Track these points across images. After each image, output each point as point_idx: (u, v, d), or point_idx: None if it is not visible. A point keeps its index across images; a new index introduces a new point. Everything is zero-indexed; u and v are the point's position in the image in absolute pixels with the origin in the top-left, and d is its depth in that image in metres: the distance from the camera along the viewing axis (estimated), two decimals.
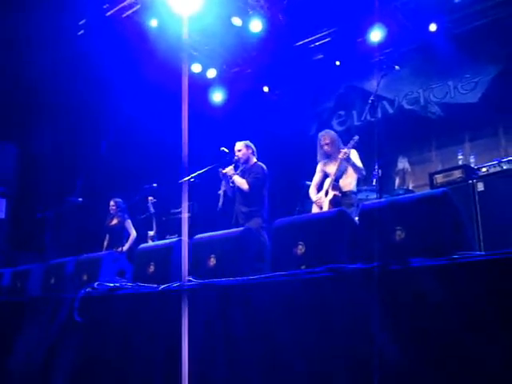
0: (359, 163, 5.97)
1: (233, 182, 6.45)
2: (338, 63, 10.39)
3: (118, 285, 4.13)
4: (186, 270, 3.35)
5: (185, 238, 3.51)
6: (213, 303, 3.15)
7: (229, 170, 6.46)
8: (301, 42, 10.31)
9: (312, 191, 6.32)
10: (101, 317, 3.95)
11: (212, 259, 3.53)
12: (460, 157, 7.45)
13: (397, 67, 5.84)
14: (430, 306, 2.29)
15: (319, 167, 6.32)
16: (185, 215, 3.77)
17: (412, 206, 2.68)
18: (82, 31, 9.56)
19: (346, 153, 5.71)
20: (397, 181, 9.09)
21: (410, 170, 9.23)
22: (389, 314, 2.40)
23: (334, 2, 8.96)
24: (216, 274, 3.36)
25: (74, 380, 3.92)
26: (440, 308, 2.26)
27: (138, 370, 3.45)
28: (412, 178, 9.15)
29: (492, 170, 5.67)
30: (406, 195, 3.06)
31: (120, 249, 8.16)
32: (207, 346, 3.06)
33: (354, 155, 5.94)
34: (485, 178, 5.65)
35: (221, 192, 6.49)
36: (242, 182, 6.36)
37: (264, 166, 6.52)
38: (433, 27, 9.09)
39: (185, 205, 3.84)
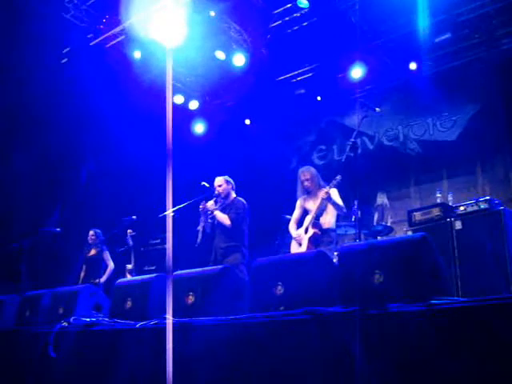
0: (340, 202, 5.99)
1: (212, 218, 6.43)
2: (319, 98, 10.53)
3: (94, 320, 4.08)
4: (170, 307, 3.31)
5: (169, 274, 3.47)
6: (191, 342, 3.12)
7: (210, 204, 6.45)
8: (283, 77, 10.44)
9: (292, 227, 6.31)
10: (76, 352, 3.89)
11: (190, 297, 3.51)
12: (438, 195, 7.51)
13: (378, 109, 5.92)
14: (410, 350, 2.30)
15: (299, 203, 6.33)
16: (169, 250, 3.73)
17: (391, 250, 2.70)
18: (65, 59, 9.57)
19: (327, 192, 5.75)
20: (376, 216, 9.14)
21: (388, 205, 9.30)
22: (368, 357, 2.40)
23: (316, 39, 9.10)
24: (194, 312, 3.34)
25: None
26: (419, 352, 2.27)
27: None
28: (391, 213, 9.20)
29: (470, 209, 5.72)
30: (386, 238, 3.09)
31: (97, 280, 8.06)
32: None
33: (335, 194, 5.97)
34: (462, 217, 5.70)
35: (200, 228, 6.45)
36: (223, 218, 6.34)
37: (244, 201, 6.53)
38: (413, 66, 9.26)
39: (169, 238, 3.81)
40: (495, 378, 2.05)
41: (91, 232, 8.68)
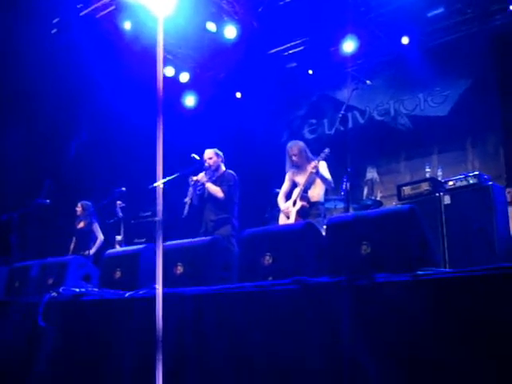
0: (328, 175, 6.01)
1: (200, 190, 6.43)
2: (310, 72, 10.46)
3: (83, 290, 4.09)
4: (160, 276, 3.31)
5: (159, 243, 3.46)
6: (180, 312, 3.14)
7: (201, 176, 6.46)
8: (274, 50, 10.34)
9: (280, 200, 6.33)
10: (66, 322, 3.91)
11: (179, 267, 3.52)
12: (428, 169, 7.53)
13: (368, 82, 5.90)
14: (395, 320, 2.32)
15: (288, 176, 6.35)
16: (159, 219, 3.71)
17: (379, 221, 2.72)
18: (55, 30, 9.45)
19: (315, 166, 5.76)
20: (365, 191, 9.17)
21: (378, 180, 9.32)
22: (355, 327, 2.42)
23: (308, 12, 9.02)
24: (183, 283, 3.35)
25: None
26: (404, 322, 2.30)
27: (107, 377, 3.42)
28: (380, 188, 9.23)
29: (459, 184, 5.73)
30: (373, 210, 3.10)
31: (87, 252, 8.07)
32: (178, 355, 3.05)
33: (323, 167, 5.99)
34: (451, 192, 5.72)
35: (187, 200, 6.45)
36: (216, 190, 6.36)
37: (234, 174, 6.54)
38: (405, 40, 9.21)
39: (160, 208, 3.79)
40: (480, 347, 2.08)
41: (79, 204, 8.68)
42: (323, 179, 5.96)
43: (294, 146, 6.19)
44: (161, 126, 3.48)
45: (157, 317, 3.11)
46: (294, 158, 6.15)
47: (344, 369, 2.37)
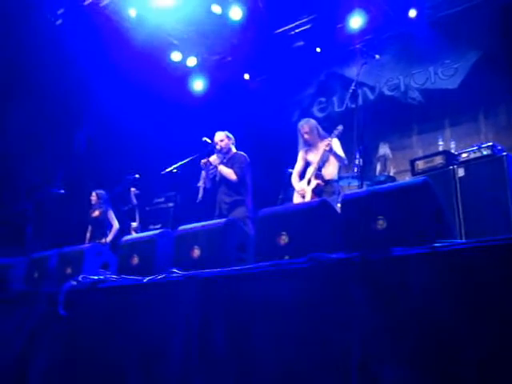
0: (341, 153, 6.00)
1: (212, 173, 6.44)
2: (318, 50, 10.38)
3: (102, 277, 4.12)
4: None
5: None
6: (196, 294, 3.15)
7: (214, 159, 6.46)
8: (281, 30, 10.28)
9: (294, 179, 6.34)
10: (86, 310, 3.94)
11: (196, 251, 3.53)
12: (440, 142, 7.49)
13: (377, 56, 5.86)
14: (413, 295, 2.32)
15: (301, 155, 6.34)
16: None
17: (393, 196, 2.70)
18: (60, 20, 9.44)
19: (328, 144, 5.75)
20: (378, 167, 9.15)
21: (391, 156, 9.28)
22: (371, 303, 2.42)
23: None
24: (200, 266, 3.36)
25: (56, 372, 3.91)
26: (422, 296, 2.29)
27: (124, 362, 3.45)
28: (393, 164, 9.20)
29: (472, 156, 5.69)
30: (387, 184, 3.08)
31: (103, 240, 8.13)
32: (196, 339, 3.07)
33: (336, 145, 5.98)
34: (465, 164, 5.68)
35: (201, 184, 6.45)
36: (229, 172, 6.36)
37: (246, 155, 6.53)
38: (413, 13, 9.11)
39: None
40: (500, 321, 2.06)
41: (93, 193, 8.74)
42: (337, 157, 5.94)
43: (306, 125, 6.18)
44: None
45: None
46: (305, 136, 6.15)
47: (356, 346, 2.37)
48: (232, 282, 3.00)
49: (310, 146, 6.19)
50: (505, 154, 5.43)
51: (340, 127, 5.87)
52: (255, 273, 2.91)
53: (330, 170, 6.05)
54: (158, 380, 3.13)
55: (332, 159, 6.02)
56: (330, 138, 5.81)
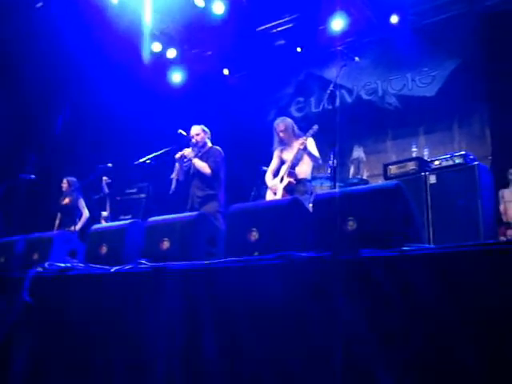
0: (316, 152, 6.03)
1: (186, 166, 6.42)
2: (299, 50, 10.42)
3: (69, 265, 4.07)
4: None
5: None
6: (164, 287, 3.15)
7: (189, 152, 6.43)
8: (263, 27, 10.28)
9: (268, 177, 6.35)
10: (52, 297, 3.90)
11: (165, 243, 3.51)
12: (414, 149, 7.56)
13: (357, 59, 5.88)
14: (379, 296, 2.34)
15: (276, 153, 6.35)
16: None
17: (365, 198, 2.72)
18: (40, 3, 9.30)
19: (303, 143, 5.76)
20: (351, 169, 9.20)
21: (365, 159, 9.34)
22: (345, 300, 2.43)
23: None
24: (168, 258, 3.35)
25: (31, 361, 3.86)
26: (388, 298, 2.31)
27: (94, 349, 3.43)
28: (367, 167, 9.26)
29: (444, 164, 5.76)
30: (360, 186, 3.10)
31: (72, 228, 8.04)
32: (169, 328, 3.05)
33: (311, 144, 6.00)
34: (437, 171, 5.74)
35: (174, 176, 6.43)
36: (203, 166, 6.34)
37: (221, 150, 6.52)
38: (394, 19, 9.19)
39: None
40: (464, 323, 2.10)
41: (64, 180, 8.65)
42: (311, 156, 5.96)
43: (281, 123, 6.19)
44: None
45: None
46: (281, 134, 6.16)
47: (339, 343, 2.38)
48: (202, 275, 2.99)
49: (285, 144, 6.20)
50: (476, 163, 5.50)
51: (315, 127, 5.89)
52: (225, 267, 2.91)
53: (304, 169, 6.07)
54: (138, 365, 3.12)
55: (306, 158, 6.04)
56: (304, 137, 5.83)
